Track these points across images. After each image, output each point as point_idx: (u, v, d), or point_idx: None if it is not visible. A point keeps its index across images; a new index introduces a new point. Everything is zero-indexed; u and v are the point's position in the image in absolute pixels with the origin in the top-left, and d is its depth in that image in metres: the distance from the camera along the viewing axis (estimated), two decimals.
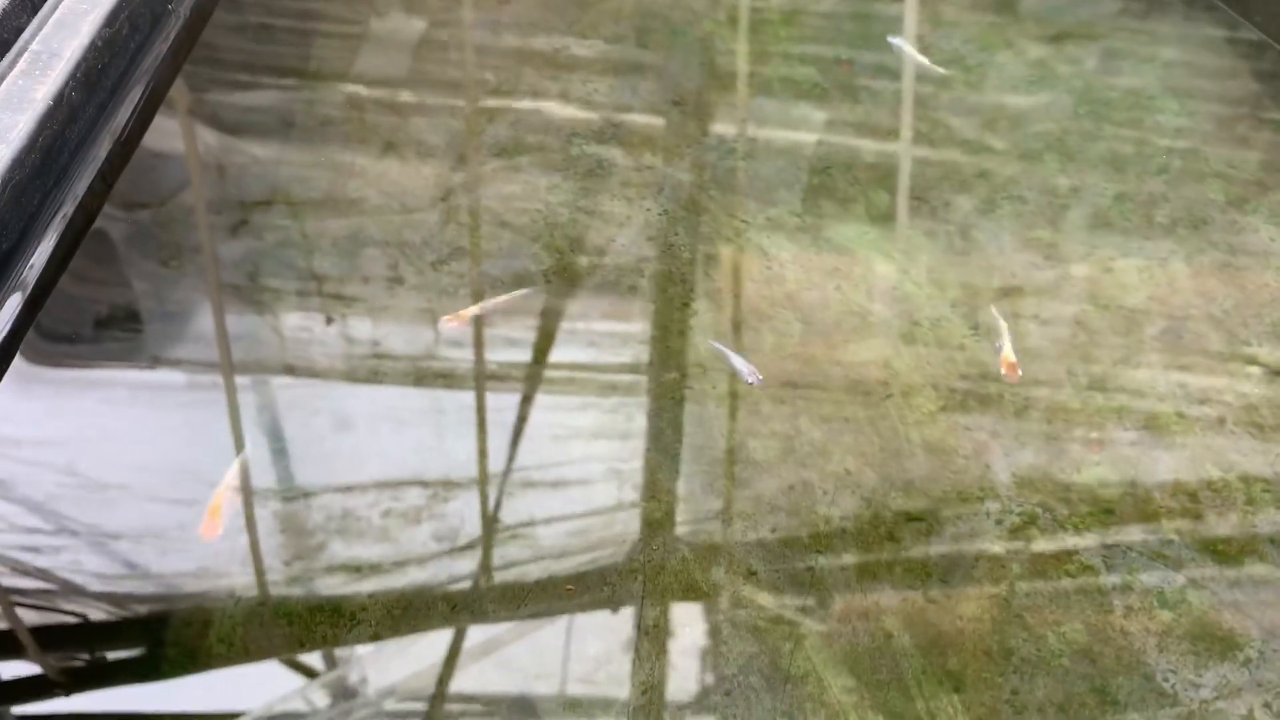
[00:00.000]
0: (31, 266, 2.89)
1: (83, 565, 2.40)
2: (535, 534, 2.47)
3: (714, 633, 2.31)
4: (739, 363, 2.63)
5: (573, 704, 2.18)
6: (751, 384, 2.60)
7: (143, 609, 2.35)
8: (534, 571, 2.40)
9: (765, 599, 2.35)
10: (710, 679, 2.24)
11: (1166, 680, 2.22)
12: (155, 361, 2.90)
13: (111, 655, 2.29)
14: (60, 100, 3.05)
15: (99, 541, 2.44)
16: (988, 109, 3.67)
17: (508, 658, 2.26)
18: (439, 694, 2.21)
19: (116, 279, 3.10)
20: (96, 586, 2.38)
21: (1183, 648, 2.27)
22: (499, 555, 2.44)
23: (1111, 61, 3.91)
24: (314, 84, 3.78)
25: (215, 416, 2.74)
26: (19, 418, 2.70)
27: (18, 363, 2.80)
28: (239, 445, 2.64)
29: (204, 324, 2.96)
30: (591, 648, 2.27)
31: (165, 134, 3.53)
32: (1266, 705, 2.18)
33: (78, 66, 3.15)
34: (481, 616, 2.33)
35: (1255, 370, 2.80)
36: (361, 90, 3.76)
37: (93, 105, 3.25)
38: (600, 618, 2.33)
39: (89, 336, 2.97)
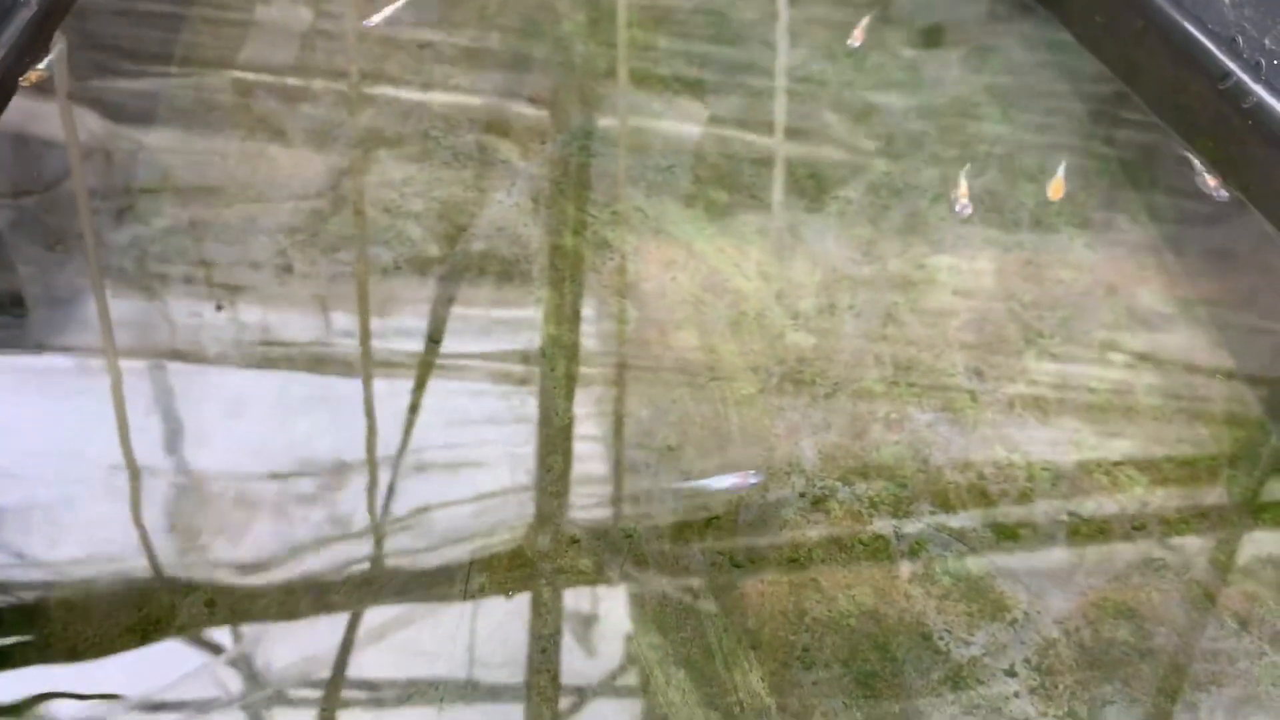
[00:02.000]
0: None
1: None
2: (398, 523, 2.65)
3: (535, 598, 2.50)
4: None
5: (417, 690, 2.33)
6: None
7: (31, 595, 2.42)
8: (382, 565, 2.55)
9: (585, 564, 2.55)
10: (528, 639, 2.42)
11: (942, 639, 2.47)
12: (41, 347, 2.96)
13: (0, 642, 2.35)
14: None
15: None
16: (830, 110, 3.91)
17: (403, 641, 2.39)
18: (335, 678, 2.32)
19: (1, 264, 3.17)
20: None
21: (958, 609, 2.52)
22: (350, 550, 2.58)
23: (955, 64, 4.17)
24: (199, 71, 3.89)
25: (103, 402, 2.83)
26: None
27: None
28: (123, 430, 2.75)
29: (91, 309, 3.04)
30: (438, 635, 2.43)
31: (45, 118, 3.59)
32: (1026, 660, 2.44)
33: None
34: (331, 609, 2.45)
35: (1045, 360, 3.07)
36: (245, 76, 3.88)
37: None
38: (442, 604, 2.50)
39: None
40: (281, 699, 2.30)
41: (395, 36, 4.12)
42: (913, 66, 4.16)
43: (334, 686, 2.32)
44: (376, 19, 3.70)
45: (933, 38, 4.34)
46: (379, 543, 2.58)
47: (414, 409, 2.87)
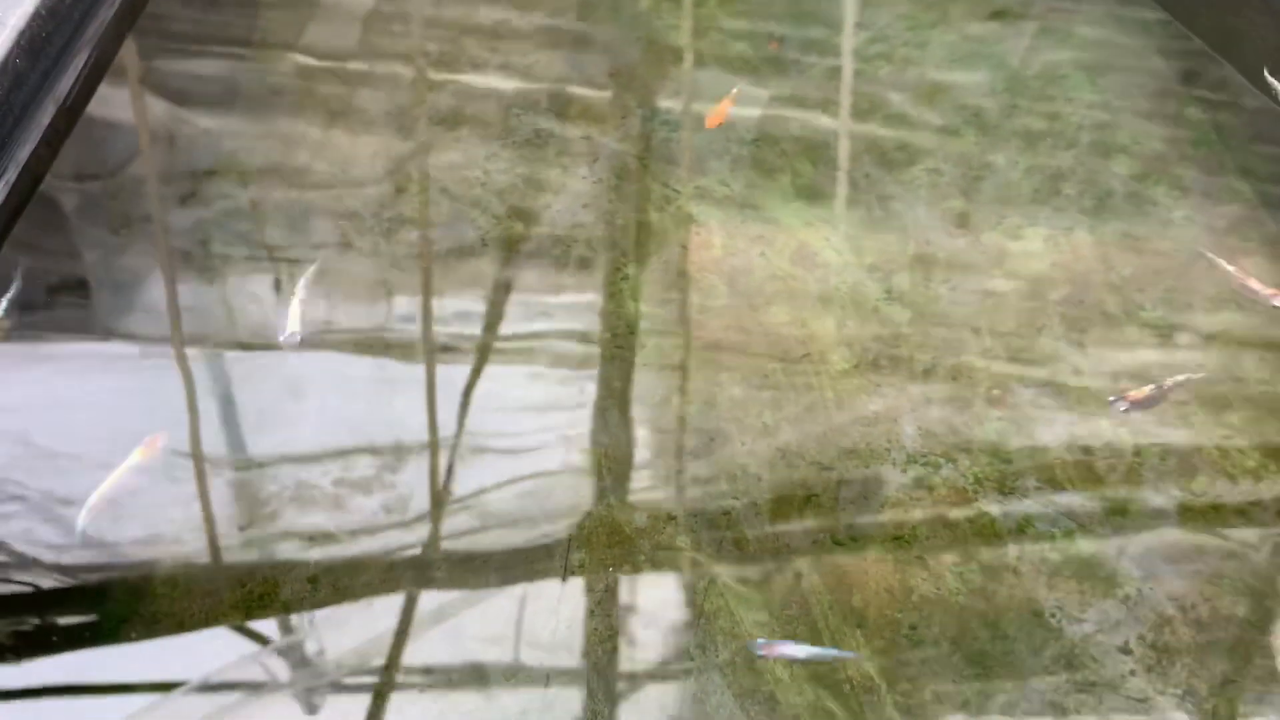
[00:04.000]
0: None
1: (35, 533, 2.48)
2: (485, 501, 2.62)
3: (635, 576, 2.46)
4: None
5: (521, 669, 2.30)
6: None
7: (95, 576, 2.44)
8: (485, 541, 2.53)
9: (683, 541, 2.50)
10: (632, 622, 2.39)
11: (1054, 616, 2.40)
12: (107, 332, 2.97)
13: (63, 622, 2.37)
14: (4, 68, 3.12)
15: (52, 509, 2.53)
16: (911, 84, 3.83)
17: (458, 626, 2.37)
18: (390, 663, 2.31)
19: (67, 249, 3.17)
20: (49, 555, 2.46)
21: (1069, 587, 2.45)
22: (449, 524, 2.56)
23: (1036, 39, 4.07)
24: (269, 54, 3.88)
25: (168, 385, 2.83)
26: None
27: None
28: (193, 415, 2.75)
29: (155, 293, 3.05)
30: (537, 611, 2.40)
31: (113, 103, 3.60)
32: (1141, 637, 2.36)
33: (22, 34, 3.23)
34: (432, 584, 2.44)
35: (1148, 333, 2.98)
36: (309, 61, 3.86)
37: (36, 72, 3.33)
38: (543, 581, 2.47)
39: (42, 305, 3.04)
40: (337, 683, 2.29)
41: (469, 18, 4.09)
42: (991, 41, 4.06)
43: (390, 670, 2.30)
44: (292, 335, 2.89)
45: (1006, 14, 4.24)
46: (475, 519, 2.55)
47: (499, 388, 2.85)
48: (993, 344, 2.94)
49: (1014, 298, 3.07)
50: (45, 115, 3.28)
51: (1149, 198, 3.39)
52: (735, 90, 3.58)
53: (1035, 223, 3.29)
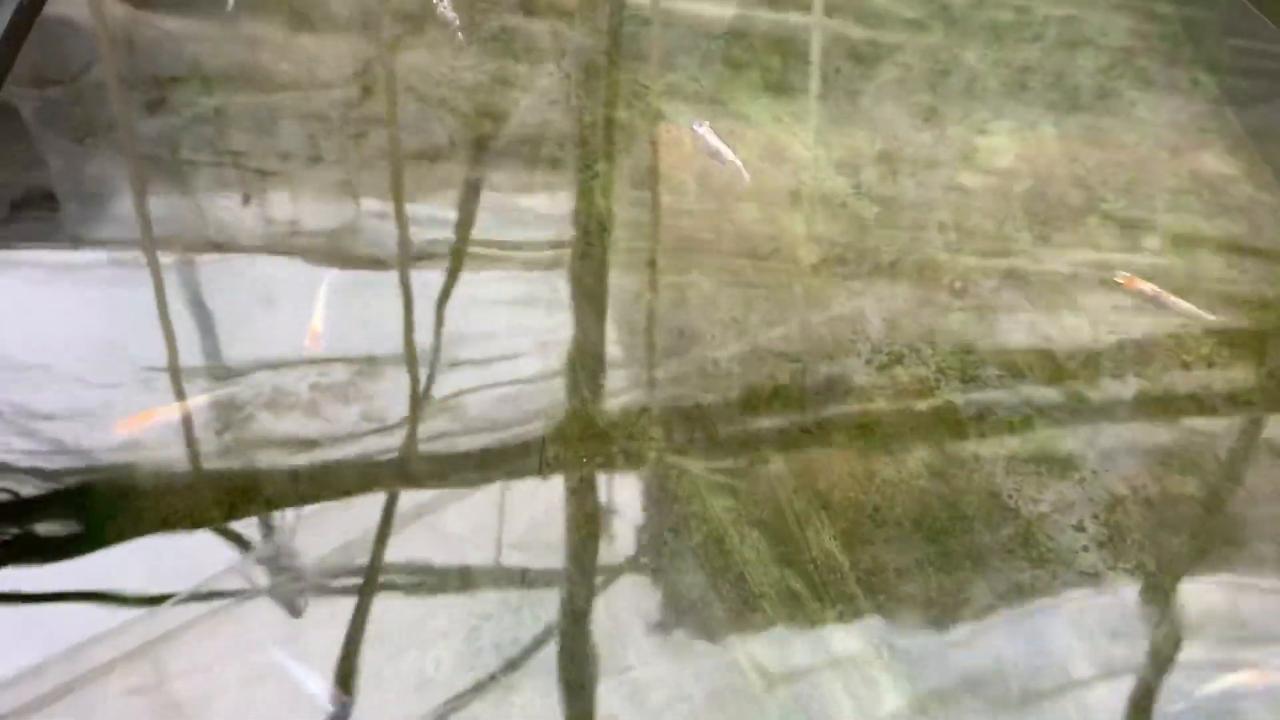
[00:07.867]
0: None
1: (11, 445, 2.49)
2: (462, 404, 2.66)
3: (610, 467, 2.53)
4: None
5: (501, 561, 2.36)
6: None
7: (74, 485, 2.45)
8: (463, 442, 2.58)
9: (656, 433, 2.58)
10: (607, 511, 2.47)
11: (1010, 497, 2.49)
12: (75, 241, 2.94)
13: (43, 531, 2.38)
14: None
15: (26, 421, 2.54)
16: None
17: (439, 523, 2.42)
18: (373, 563, 2.36)
19: (30, 158, 3.15)
20: (26, 463, 2.46)
21: (1027, 469, 2.54)
22: (427, 428, 2.60)
23: None
24: None
25: (139, 294, 2.82)
26: None
27: None
28: (165, 322, 2.73)
29: (123, 202, 3.03)
30: (515, 505, 2.46)
31: (71, 2, 3.54)
32: (1095, 516, 2.46)
33: None
34: (412, 484, 2.48)
35: (1110, 225, 3.05)
36: None
37: None
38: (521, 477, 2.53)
39: (5, 217, 3.01)
40: (320, 586, 2.35)
41: None
42: None
43: (373, 570, 2.35)
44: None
45: None
46: (453, 422, 2.60)
47: (465, 292, 2.88)
48: (958, 238, 3.00)
49: (979, 192, 3.12)
50: (4, 14, 3.22)
51: (1114, 91, 3.43)
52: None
53: (1001, 116, 3.33)
